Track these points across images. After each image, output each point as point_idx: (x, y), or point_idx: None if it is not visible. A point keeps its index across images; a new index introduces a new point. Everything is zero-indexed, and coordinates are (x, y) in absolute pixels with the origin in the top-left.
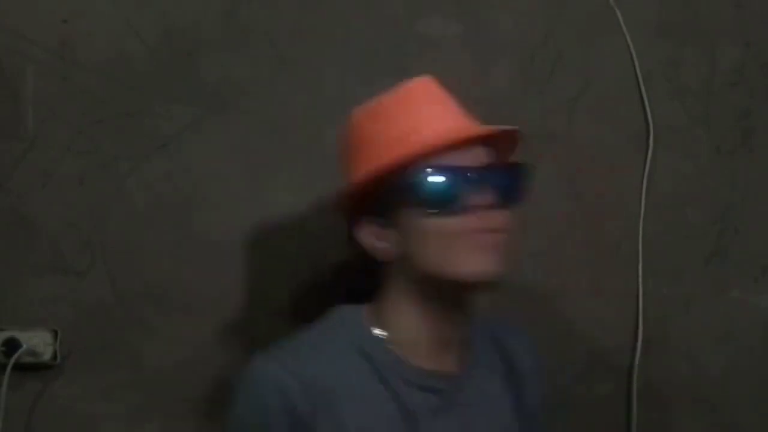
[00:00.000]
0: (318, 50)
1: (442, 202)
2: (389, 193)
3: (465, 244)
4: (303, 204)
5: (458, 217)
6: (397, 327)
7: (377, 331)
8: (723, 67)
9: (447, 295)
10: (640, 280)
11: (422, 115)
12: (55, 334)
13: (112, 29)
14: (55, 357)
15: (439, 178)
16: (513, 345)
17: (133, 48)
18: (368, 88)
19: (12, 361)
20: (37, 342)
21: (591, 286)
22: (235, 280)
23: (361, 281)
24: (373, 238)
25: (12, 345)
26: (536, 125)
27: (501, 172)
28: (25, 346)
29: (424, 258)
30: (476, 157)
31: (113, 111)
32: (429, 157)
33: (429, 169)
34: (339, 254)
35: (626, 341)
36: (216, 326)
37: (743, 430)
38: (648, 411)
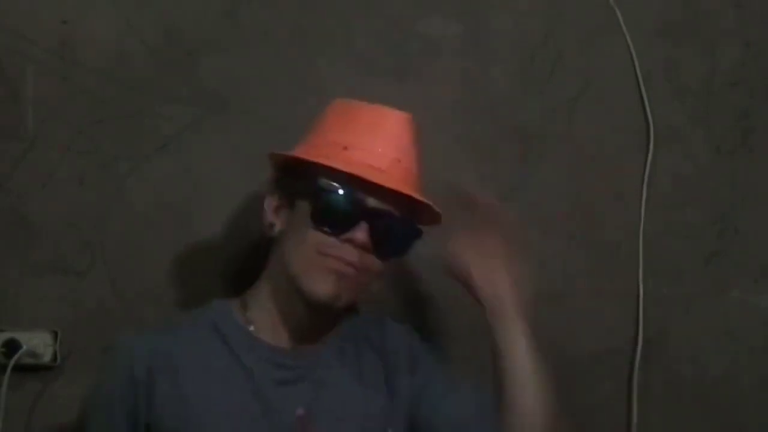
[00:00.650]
0: (318, 50)
1: (326, 213)
2: (299, 182)
3: (317, 262)
4: None
5: (330, 237)
6: (258, 307)
7: (238, 314)
8: (723, 67)
9: (302, 298)
10: (641, 280)
11: (370, 144)
12: (55, 334)
13: (112, 29)
14: (55, 358)
15: (331, 194)
16: (381, 334)
17: (133, 48)
18: (368, 88)
19: (12, 362)
20: (37, 343)
21: (591, 286)
22: (234, 280)
23: None
24: (271, 210)
25: (12, 346)
26: (536, 125)
27: (389, 222)
28: (25, 347)
29: (288, 253)
30: (381, 199)
31: (113, 111)
32: (340, 176)
33: (329, 183)
34: None
35: (626, 341)
36: None
37: (744, 430)
38: (648, 411)
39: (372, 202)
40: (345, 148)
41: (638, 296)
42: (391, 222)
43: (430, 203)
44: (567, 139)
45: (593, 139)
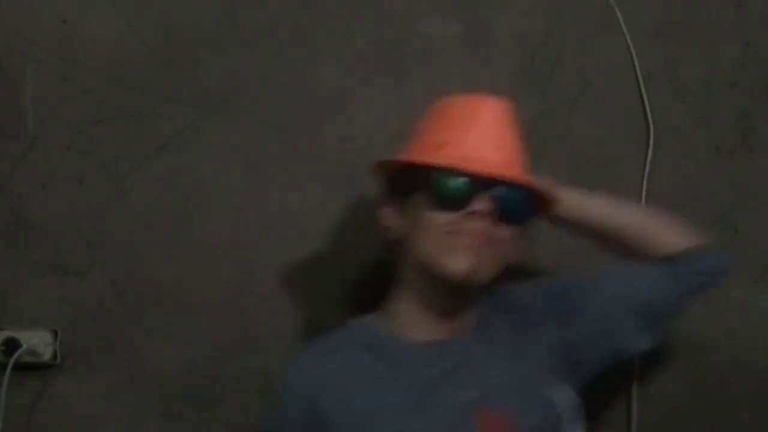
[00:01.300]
0: (318, 50)
1: (445, 197)
2: (410, 180)
3: (447, 241)
4: (303, 204)
5: (453, 214)
6: (401, 312)
7: (382, 325)
8: (723, 67)
9: (441, 283)
10: None
11: (469, 136)
12: (55, 333)
13: (113, 30)
14: (55, 357)
15: (449, 178)
16: (518, 296)
17: (133, 48)
18: (368, 87)
19: (12, 360)
20: (37, 342)
21: None
22: (234, 279)
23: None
24: (389, 216)
25: (12, 345)
26: (536, 125)
27: (509, 188)
28: (25, 345)
29: (416, 244)
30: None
31: (113, 111)
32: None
33: (443, 170)
34: (339, 253)
35: None
36: (215, 326)
37: (744, 429)
38: (648, 411)
39: (485, 176)
40: (447, 145)
41: None
42: (509, 188)
43: (533, 182)
44: (567, 139)
45: (593, 139)
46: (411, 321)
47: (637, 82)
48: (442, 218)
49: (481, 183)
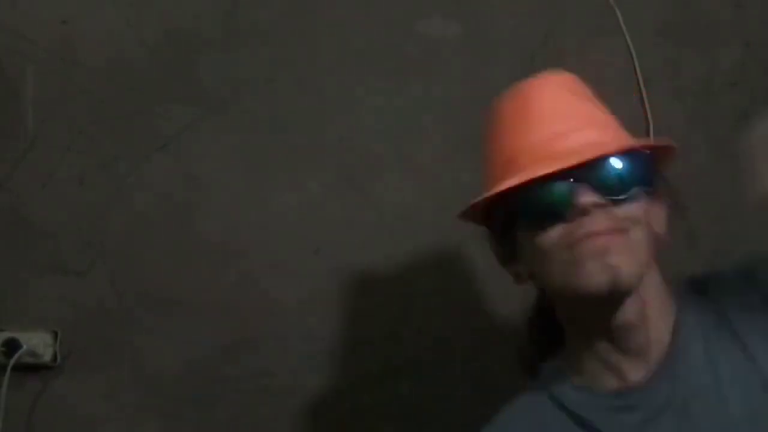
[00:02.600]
0: (317, 50)
1: (541, 214)
2: (501, 215)
3: (570, 258)
4: (302, 204)
5: (560, 226)
6: (578, 359)
7: (562, 372)
8: (723, 68)
9: (591, 306)
10: None
11: (532, 133)
12: (55, 334)
13: (113, 30)
14: (55, 358)
15: (532, 196)
16: (698, 311)
17: (133, 48)
18: (368, 88)
19: (12, 361)
20: (37, 342)
21: None
22: (234, 280)
23: None
24: (514, 269)
25: (12, 345)
26: None
27: (600, 164)
28: (25, 346)
29: (545, 278)
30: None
31: (113, 111)
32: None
33: (522, 188)
34: (340, 252)
35: None
36: (215, 326)
37: None
38: None
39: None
40: (509, 160)
41: None
42: (601, 163)
43: (628, 144)
44: None
45: None
46: (591, 368)
47: (637, 82)
48: (553, 236)
49: (571, 172)
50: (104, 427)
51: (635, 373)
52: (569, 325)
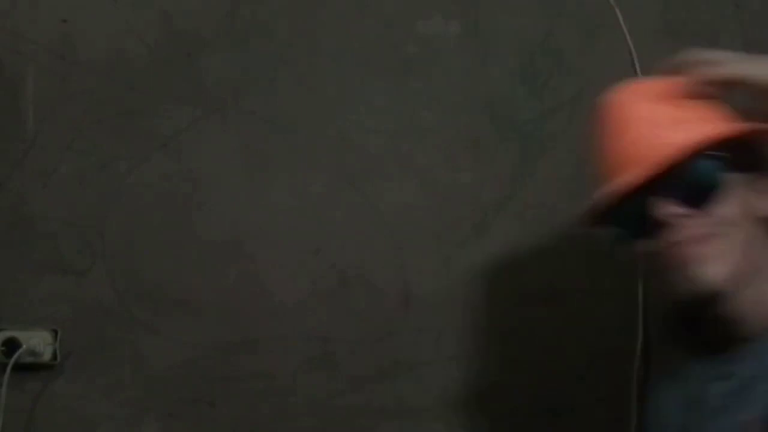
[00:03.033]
0: (318, 50)
1: (629, 231)
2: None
3: (665, 265)
4: (303, 203)
5: (649, 239)
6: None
7: None
8: None
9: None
10: (641, 280)
11: (615, 158)
12: (55, 333)
13: (112, 29)
14: (54, 357)
15: (611, 216)
16: None
17: (133, 48)
18: (369, 87)
19: (12, 361)
20: (37, 342)
21: (591, 286)
22: (234, 279)
23: None
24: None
25: (12, 345)
26: (536, 125)
27: (671, 178)
28: (24, 345)
29: (661, 287)
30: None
31: (113, 111)
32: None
33: (603, 218)
34: (340, 252)
35: (626, 340)
36: (215, 326)
37: None
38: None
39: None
40: (610, 171)
41: (638, 295)
42: (672, 175)
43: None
44: (566, 138)
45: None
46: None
47: None
48: (644, 249)
49: (643, 189)
50: (104, 426)
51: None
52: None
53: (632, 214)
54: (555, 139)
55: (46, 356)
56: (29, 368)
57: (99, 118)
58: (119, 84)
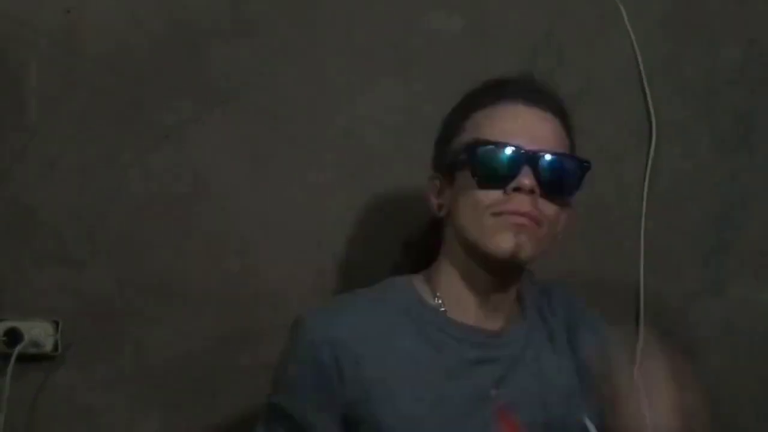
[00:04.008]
0: (322, 43)
1: (486, 173)
2: (453, 154)
3: (493, 224)
4: (305, 196)
5: (496, 192)
6: (444, 287)
7: (424, 294)
8: (725, 65)
9: (485, 262)
10: (641, 276)
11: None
12: (56, 324)
13: (116, 20)
14: (56, 348)
15: (488, 151)
16: (549, 301)
17: (136, 39)
18: (372, 81)
19: (16, 351)
20: (39, 332)
21: (593, 283)
22: (236, 271)
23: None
24: (434, 192)
25: (14, 335)
26: None
27: (552, 160)
28: (26, 336)
29: (461, 223)
30: (539, 140)
31: (116, 102)
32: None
33: (482, 142)
34: (342, 245)
35: (627, 337)
36: (217, 318)
37: (743, 426)
38: None
39: (528, 145)
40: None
41: (639, 292)
42: (554, 159)
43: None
44: None
45: (595, 135)
46: (452, 298)
47: (640, 78)
48: (487, 198)
49: (527, 154)
50: (105, 417)
51: (485, 321)
52: (451, 260)
53: (493, 166)
54: None
55: (48, 347)
56: (31, 359)
57: (102, 109)
58: (123, 75)
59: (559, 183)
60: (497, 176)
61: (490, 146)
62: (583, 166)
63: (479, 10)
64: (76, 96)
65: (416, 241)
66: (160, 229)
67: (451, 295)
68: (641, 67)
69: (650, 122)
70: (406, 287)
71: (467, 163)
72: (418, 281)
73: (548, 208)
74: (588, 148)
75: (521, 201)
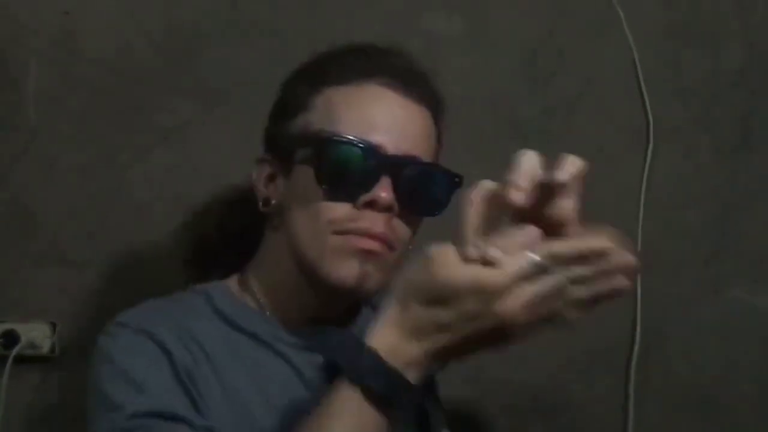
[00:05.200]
0: (321, 44)
1: (333, 179)
2: (293, 139)
3: (335, 243)
4: None
5: (344, 206)
6: (269, 295)
7: (247, 300)
8: (724, 68)
9: (319, 287)
10: (639, 279)
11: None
12: (54, 326)
13: (116, 21)
14: (53, 350)
15: (341, 151)
16: None
17: (136, 40)
18: None
19: (13, 353)
20: (36, 334)
21: None
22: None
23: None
24: (262, 178)
25: (11, 337)
26: (537, 123)
27: (419, 170)
28: (24, 338)
29: (295, 232)
30: (407, 141)
31: (115, 103)
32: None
33: (334, 137)
34: None
35: (624, 340)
36: None
37: (741, 429)
38: (645, 409)
39: (393, 147)
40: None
41: (636, 295)
42: (422, 170)
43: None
44: (567, 137)
45: (594, 137)
46: (275, 306)
47: (639, 81)
48: (332, 212)
49: (388, 160)
50: None
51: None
52: (277, 273)
53: (347, 165)
54: (555, 137)
55: (45, 349)
56: (28, 360)
57: (102, 109)
58: (122, 77)
59: (422, 201)
60: (347, 185)
61: (345, 144)
62: (454, 182)
63: (479, 11)
64: (76, 96)
65: (231, 232)
66: (159, 230)
67: (271, 300)
68: (640, 70)
69: (648, 125)
70: (217, 291)
71: (312, 159)
72: (228, 285)
73: (404, 230)
74: (586, 150)
75: (374, 220)
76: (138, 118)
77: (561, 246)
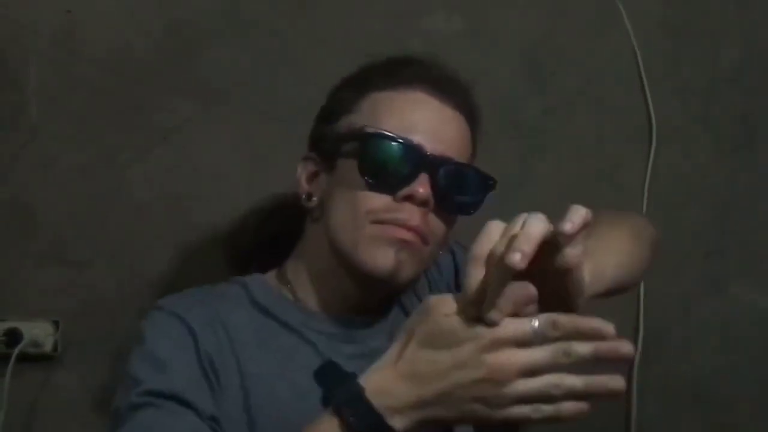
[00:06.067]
0: (321, 44)
1: (375, 172)
2: (340, 136)
3: (372, 233)
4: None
5: (384, 197)
6: (299, 284)
7: (281, 289)
8: (725, 66)
9: (356, 275)
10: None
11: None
12: (56, 324)
13: (116, 21)
14: (56, 348)
15: (384, 146)
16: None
17: (136, 40)
18: None
19: (15, 351)
20: (38, 332)
21: None
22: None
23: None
24: (305, 176)
25: (13, 335)
26: (538, 121)
27: (455, 170)
28: (26, 336)
29: (334, 223)
30: (444, 143)
31: (116, 103)
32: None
33: (379, 132)
34: None
35: (626, 339)
36: None
37: (742, 427)
38: (647, 408)
39: (431, 147)
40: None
41: (638, 294)
42: (458, 169)
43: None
44: (568, 135)
45: (594, 136)
46: (311, 299)
47: (640, 79)
48: (370, 202)
49: (427, 159)
50: (105, 418)
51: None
52: (316, 267)
53: (390, 161)
54: (556, 136)
55: (48, 347)
56: (30, 359)
57: (102, 109)
58: (123, 76)
59: (457, 199)
60: (388, 178)
61: (388, 140)
62: (488, 184)
63: (479, 10)
64: (76, 96)
65: (271, 233)
66: (159, 229)
67: (308, 294)
68: (641, 68)
69: (650, 123)
70: (259, 286)
71: (356, 153)
72: (274, 280)
73: (438, 225)
74: (587, 149)
75: (411, 212)
76: (138, 118)
77: (563, 318)
